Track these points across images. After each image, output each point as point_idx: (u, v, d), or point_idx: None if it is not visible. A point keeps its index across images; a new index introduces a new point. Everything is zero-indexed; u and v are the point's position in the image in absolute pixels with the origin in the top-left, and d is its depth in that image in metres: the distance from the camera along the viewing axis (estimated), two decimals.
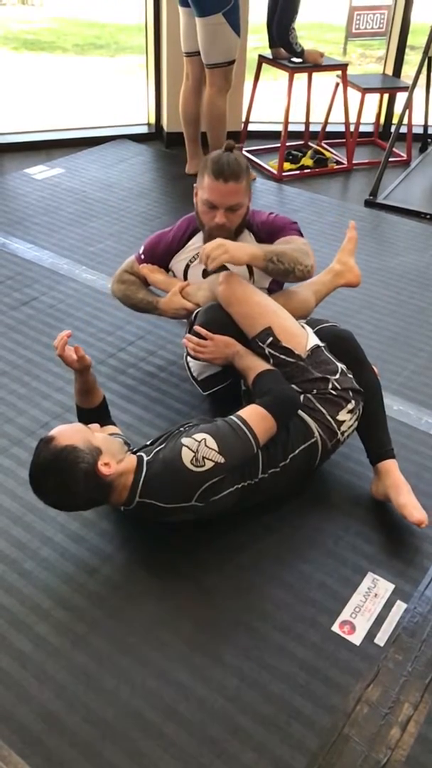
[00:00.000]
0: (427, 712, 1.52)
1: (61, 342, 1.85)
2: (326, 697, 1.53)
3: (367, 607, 1.73)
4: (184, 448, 1.66)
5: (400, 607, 1.73)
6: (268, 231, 2.20)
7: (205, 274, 2.16)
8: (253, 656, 1.61)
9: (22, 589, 1.73)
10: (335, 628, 1.68)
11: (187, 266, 2.26)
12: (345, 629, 1.68)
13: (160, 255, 2.30)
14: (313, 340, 1.96)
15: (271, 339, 1.90)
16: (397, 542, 1.89)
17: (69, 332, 1.87)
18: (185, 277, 2.27)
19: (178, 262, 2.29)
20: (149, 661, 1.59)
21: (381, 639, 1.66)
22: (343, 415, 1.90)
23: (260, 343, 1.91)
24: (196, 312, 2.10)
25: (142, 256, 2.32)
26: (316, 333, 2.03)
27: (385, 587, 1.78)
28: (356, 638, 1.66)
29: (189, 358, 2.13)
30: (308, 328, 2.01)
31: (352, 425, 1.95)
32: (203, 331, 1.95)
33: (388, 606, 1.73)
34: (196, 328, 1.97)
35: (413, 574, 1.82)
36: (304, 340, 1.94)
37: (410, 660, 1.62)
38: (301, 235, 2.19)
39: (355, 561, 1.85)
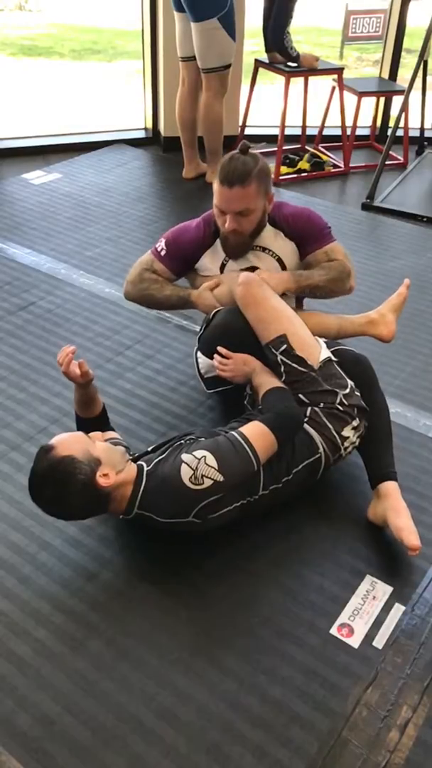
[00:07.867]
0: (425, 715, 1.52)
1: (67, 359, 1.84)
2: (325, 700, 1.53)
3: (366, 610, 1.73)
4: (183, 465, 1.65)
5: (398, 609, 1.73)
6: (299, 233, 2.14)
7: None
8: (251, 660, 1.61)
9: (20, 594, 1.73)
10: (334, 631, 1.68)
11: (224, 264, 2.18)
12: (343, 632, 1.68)
13: (189, 251, 2.18)
14: (326, 353, 1.94)
15: (284, 346, 1.88)
16: (395, 545, 1.88)
17: (74, 348, 1.86)
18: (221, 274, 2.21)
19: (209, 260, 2.19)
20: (148, 666, 1.59)
21: (379, 642, 1.66)
22: (347, 431, 1.89)
23: (273, 350, 1.90)
24: (214, 312, 2.08)
25: (163, 251, 2.18)
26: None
27: (383, 590, 1.78)
28: (355, 641, 1.66)
29: (199, 354, 2.11)
30: (321, 341, 1.99)
31: (354, 442, 1.94)
32: (224, 351, 1.96)
33: (387, 609, 1.73)
34: (219, 348, 1.97)
35: (411, 576, 1.82)
36: (317, 351, 1.92)
37: (409, 662, 1.62)
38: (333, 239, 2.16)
39: (353, 564, 1.85)
